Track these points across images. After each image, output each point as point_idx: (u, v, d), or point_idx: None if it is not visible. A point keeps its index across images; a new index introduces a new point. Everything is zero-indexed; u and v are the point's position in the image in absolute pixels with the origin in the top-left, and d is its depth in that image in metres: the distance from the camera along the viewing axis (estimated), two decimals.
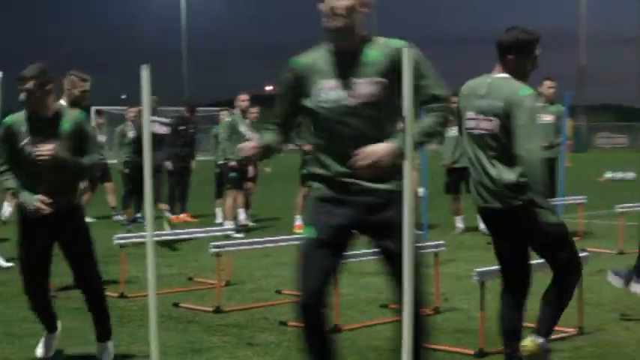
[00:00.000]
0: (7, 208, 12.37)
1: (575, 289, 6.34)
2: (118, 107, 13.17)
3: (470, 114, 4.97)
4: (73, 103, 7.56)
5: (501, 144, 4.78)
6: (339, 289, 6.44)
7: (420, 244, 4.13)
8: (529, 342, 4.93)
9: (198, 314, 6.91)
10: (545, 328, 4.98)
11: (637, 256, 6.50)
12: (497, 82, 4.86)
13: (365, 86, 3.88)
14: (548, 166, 10.16)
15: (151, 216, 4.98)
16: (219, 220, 13.70)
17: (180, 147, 14.03)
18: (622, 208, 10.31)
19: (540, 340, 4.93)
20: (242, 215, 12.77)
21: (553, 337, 5.99)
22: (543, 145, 9.89)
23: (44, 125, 5.34)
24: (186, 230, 9.67)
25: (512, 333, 4.99)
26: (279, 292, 7.68)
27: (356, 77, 3.89)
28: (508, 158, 4.76)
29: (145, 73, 4.81)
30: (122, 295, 7.61)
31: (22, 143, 5.32)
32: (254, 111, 12.87)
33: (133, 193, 12.81)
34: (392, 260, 4.00)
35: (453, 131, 12.20)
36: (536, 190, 4.69)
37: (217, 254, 7.18)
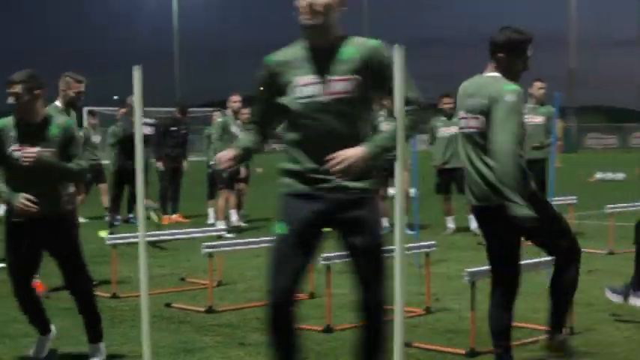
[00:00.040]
0: None
1: None
2: (110, 108, 13.21)
3: (461, 113, 5.01)
4: (68, 104, 7.67)
5: (489, 142, 4.83)
6: (331, 289, 6.46)
7: (386, 245, 4.14)
8: (548, 344, 4.99)
9: (191, 314, 6.92)
10: (557, 322, 5.00)
11: (634, 269, 6.51)
12: (486, 81, 4.90)
13: (339, 83, 3.90)
14: (538, 167, 10.21)
15: (142, 216, 5.00)
16: (211, 220, 13.71)
17: (171, 147, 14.06)
18: (612, 208, 10.36)
19: (559, 337, 4.97)
20: (234, 216, 12.79)
21: (543, 337, 6.05)
22: (534, 146, 9.92)
23: (33, 130, 5.37)
24: (177, 230, 9.67)
25: (501, 332, 5.01)
26: None
27: (331, 74, 3.91)
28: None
29: (136, 74, 4.83)
30: (114, 296, 7.61)
31: (11, 148, 5.33)
32: (246, 112, 12.89)
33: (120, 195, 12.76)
34: (359, 258, 4.02)
35: (443, 132, 12.28)
36: (509, 185, 4.68)
37: (209, 254, 7.20)
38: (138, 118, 5.21)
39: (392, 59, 3.95)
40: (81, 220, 8.81)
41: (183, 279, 8.64)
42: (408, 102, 4.00)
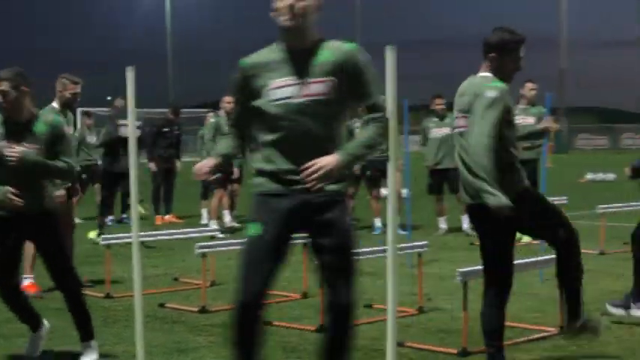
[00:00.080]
0: None
1: (557, 289, 6.44)
2: (105, 109, 13.23)
3: (455, 113, 5.05)
4: (65, 105, 7.79)
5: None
6: (324, 289, 6.48)
7: (358, 248, 4.14)
8: (568, 332, 5.05)
9: (184, 314, 6.94)
10: (575, 309, 5.01)
11: (633, 281, 6.52)
12: (476, 80, 4.95)
13: (315, 85, 3.91)
14: (530, 167, 10.26)
15: (136, 217, 5.02)
16: (204, 220, 13.74)
17: (164, 148, 14.08)
18: (603, 208, 10.41)
19: (577, 322, 4.99)
20: (227, 217, 12.82)
21: (535, 336, 6.09)
22: (525, 146, 9.94)
23: (20, 128, 5.42)
24: (171, 231, 9.69)
25: (494, 332, 5.02)
26: None
27: (306, 76, 3.91)
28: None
29: (129, 75, 4.86)
30: (108, 296, 7.63)
31: None
32: None
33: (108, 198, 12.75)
34: (330, 260, 4.01)
35: (435, 133, 12.32)
36: (482, 177, 4.68)
37: (203, 255, 7.22)
38: (131, 118, 5.24)
39: (367, 63, 4.00)
40: (76, 220, 8.81)
41: (176, 279, 8.66)
42: (377, 108, 4.03)
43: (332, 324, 4.09)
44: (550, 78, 59.76)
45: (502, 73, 4.93)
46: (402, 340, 5.72)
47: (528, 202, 4.91)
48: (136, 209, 5.31)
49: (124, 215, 13.41)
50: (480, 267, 5.65)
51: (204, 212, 13.93)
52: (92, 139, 15.02)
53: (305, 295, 7.43)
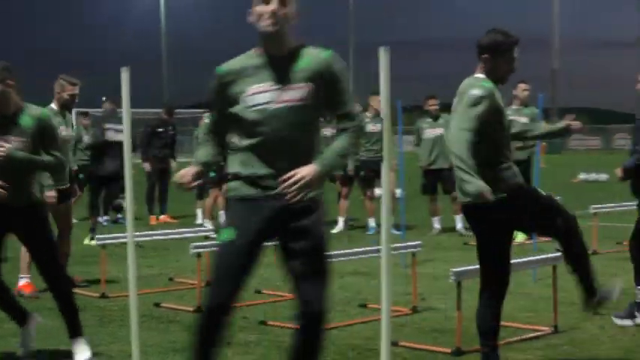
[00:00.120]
0: None
1: (550, 288, 6.48)
2: (100, 109, 13.25)
3: (452, 114, 5.09)
4: (63, 106, 7.89)
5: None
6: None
7: (329, 250, 4.07)
8: (588, 308, 5.14)
9: (179, 314, 6.95)
10: (589, 287, 5.04)
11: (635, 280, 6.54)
12: (469, 81, 4.98)
13: (293, 91, 3.90)
14: (522, 167, 10.29)
15: (131, 217, 5.04)
16: (199, 220, 13.76)
17: (159, 148, 14.11)
18: (596, 208, 10.46)
19: (594, 299, 5.04)
20: (223, 218, 12.84)
21: (528, 335, 6.13)
22: (517, 146, 9.99)
23: (6, 121, 5.46)
24: (166, 231, 9.71)
25: (489, 332, 5.05)
26: (258, 291, 7.75)
27: (284, 82, 3.90)
28: (476, 154, 4.86)
29: (124, 75, 4.88)
30: (103, 295, 7.65)
31: None
32: None
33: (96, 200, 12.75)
34: (304, 265, 3.94)
35: (429, 133, 12.35)
36: (459, 168, 4.73)
37: (198, 254, 7.24)
38: (126, 118, 5.25)
39: (343, 71, 3.99)
40: (73, 220, 8.83)
41: (171, 279, 8.68)
42: (350, 117, 4.01)
43: (304, 330, 4.00)
44: (542, 78, 59.83)
45: (496, 74, 4.97)
46: (396, 340, 5.75)
47: (522, 199, 4.93)
48: (132, 209, 5.34)
49: (119, 215, 13.42)
50: (473, 267, 5.68)
51: (199, 212, 13.96)
52: (88, 139, 15.04)
53: None
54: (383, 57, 4.09)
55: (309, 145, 3.96)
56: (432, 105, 12.44)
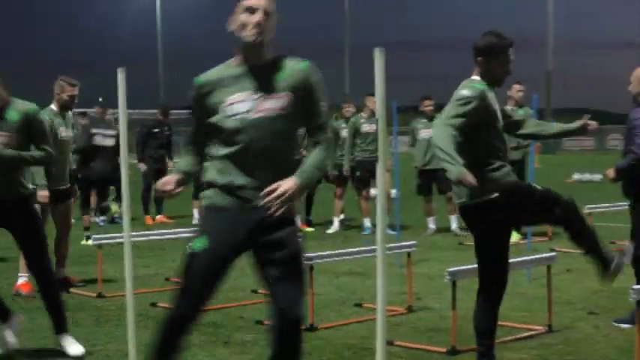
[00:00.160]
0: None
1: (544, 288, 6.52)
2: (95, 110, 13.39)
3: None
4: (62, 106, 7.95)
5: (460, 142, 4.97)
6: (314, 288, 6.55)
7: (304, 253, 4.02)
8: (607, 279, 5.11)
9: None
10: (603, 259, 5.05)
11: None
12: (463, 83, 5.02)
13: (272, 101, 3.88)
14: (516, 168, 10.33)
15: (127, 217, 5.06)
16: (195, 221, 13.77)
17: (155, 149, 14.13)
18: (590, 208, 10.49)
19: (609, 271, 5.04)
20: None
21: (522, 335, 6.16)
22: (511, 146, 10.07)
23: None
24: (162, 231, 9.73)
25: (485, 332, 5.07)
26: (254, 291, 7.77)
27: (264, 91, 3.89)
28: (465, 154, 4.89)
29: (120, 76, 4.90)
30: (100, 295, 7.67)
31: None
32: None
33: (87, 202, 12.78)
34: (280, 275, 3.86)
35: (424, 134, 12.39)
36: (440, 151, 4.77)
37: None
38: (123, 119, 5.28)
39: (320, 82, 3.97)
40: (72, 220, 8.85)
41: (168, 279, 8.69)
42: (323, 129, 4.00)
43: (282, 338, 3.90)
44: (537, 79, 59.92)
45: (491, 76, 5.00)
46: (391, 339, 5.79)
47: (517, 196, 4.96)
48: (128, 210, 5.36)
49: (116, 215, 13.43)
50: (468, 266, 5.72)
51: (195, 212, 13.98)
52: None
53: None
54: (378, 58, 4.11)
55: (287, 155, 3.93)
56: (427, 106, 12.48)
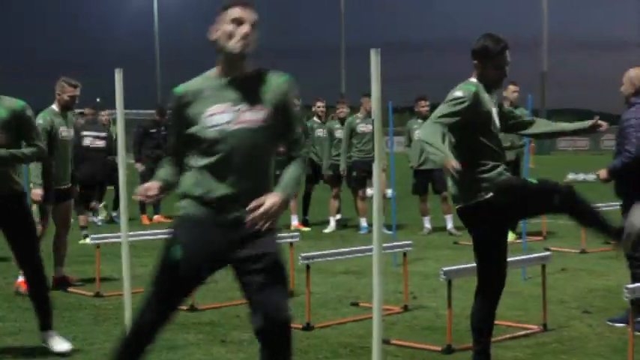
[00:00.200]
0: None
1: (539, 287, 6.56)
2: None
3: None
4: (63, 107, 7.98)
5: (453, 143, 5.01)
6: (311, 287, 6.59)
7: (282, 257, 3.94)
8: (620, 249, 5.20)
9: None
10: (614, 232, 5.06)
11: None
12: (459, 85, 5.06)
13: (253, 112, 3.86)
14: (510, 168, 10.37)
15: (125, 217, 5.11)
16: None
17: (151, 149, 14.17)
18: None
19: (622, 238, 5.04)
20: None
21: (517, 333, 6.20)
22: (505, 146, 10.11)
23: None
24: (159, 230, 9.74)
25: (482, 331, 5.09)
26: None
27: (244, 104, 3.87)
28: (458, 155, 4.92)
29: (118, 77, 4.95)
30: (98, 294, 7.70)
31: None
32: None
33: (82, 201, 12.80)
34: (263, 281, 3.80)
35: (419, 135, 12.42)
36: (426, 144, 4.82)
37: None
38: (120, 119, 5.32)
39: (295, 97, 3.97)
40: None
41: None
42: (298, 143, 3.98)
43: (271, 342, 3.85)
44: (531, 79, 59.97)
45: (486, 79, 5.02)
46: (387, 338, 5.81)
47: (513, 194, 4.98)
48: (126, 210, 5.40)
49: (114, 214, 13.47)
50: (463, 265, 5.76)
51: None
52: None
53: (292, 294, 7.51)
54: (374, 58, 4.16)
55: (265, 168, 3.91)
56: (423, 106, 12.53)
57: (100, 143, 12.94)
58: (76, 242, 10.96)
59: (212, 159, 3.83)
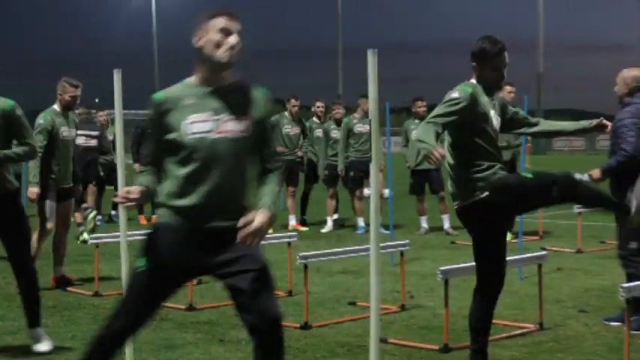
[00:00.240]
0: None
1: (535, 286, 6.59)
2: (92, 111, 13.44)
3: None
4: (64, 107, 8.02)
5: (450, 143, 5.05)
6: (308, 287, 6.61)
7: (266, 260, 3.92)
8: (634, 224, 5.18)
9: (172, 312, 6.99)
10: (621, 207, 5.14)
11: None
12: (457, 86, 5.10)
13: (233, 122, 3.85)
14: (506, 168, 10.40)
15: (124, 217, 5.13)
16: None
17: None
18: (580, 208, 10.57)
19: (632, 214, 5.12)
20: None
21: (514, 332, 6.23)
22: (500, 146, 10.14)
23: None
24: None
25: (480, 330, 5.11)
26: None
27: (225, 113, 3.86)
28: (454, 155, 4.97)
29: (116, 77, 4.97)
30: (96, 294, 7.72)
31: None
32: None
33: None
34: (248, 281, 3.78)
35: (416, 135, 12.45)
36: (419, 145, 4.86)
37: None
38: (118, 119, 5.34)
39: (272, 109, 4.03)
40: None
41: None
42: (276, 156, 3.99)
43: (264, 342, 3.82)
44: (528, 81, 59.98)
45: (485, 81, 5.05)
46: (385, 337, 5.83)
47: (509, 191, 4.99)
48: (125, 210, 5.42)
49: (113, 212, 13.49)
50: (460, 265, 5.79)
51: None
52: None
53: (290, 293, 7.54)
54: (370, 59, 4.19)
55: (244, 178, 3.91)
56: (420, 107, 12.57)
57: (93, 142, 12.96)
58: (75, 242, 10.98)
59: (191, 167, 3.81)
